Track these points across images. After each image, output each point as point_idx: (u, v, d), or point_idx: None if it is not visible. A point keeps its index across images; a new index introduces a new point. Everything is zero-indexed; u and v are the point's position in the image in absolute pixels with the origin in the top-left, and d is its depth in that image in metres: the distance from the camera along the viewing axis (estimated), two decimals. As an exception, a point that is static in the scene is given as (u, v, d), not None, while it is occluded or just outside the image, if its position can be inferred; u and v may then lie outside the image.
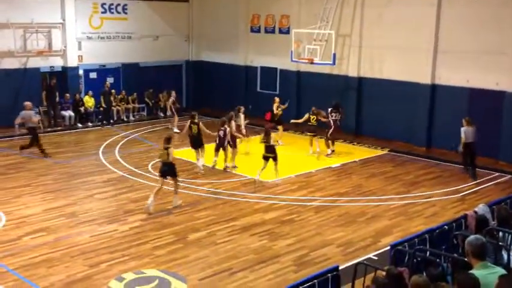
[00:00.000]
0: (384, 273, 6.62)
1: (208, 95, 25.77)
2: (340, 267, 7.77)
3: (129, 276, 9.48)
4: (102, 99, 22.32)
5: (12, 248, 10.48)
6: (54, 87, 21.65)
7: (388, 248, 8.57)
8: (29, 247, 10.56)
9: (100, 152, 17.98)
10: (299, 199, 13.68)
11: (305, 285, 7.19)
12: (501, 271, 5.69)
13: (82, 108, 22.00)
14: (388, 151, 18.75)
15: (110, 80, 23.35)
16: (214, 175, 15.53)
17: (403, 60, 19.38)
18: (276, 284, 9.26)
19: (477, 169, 15.80)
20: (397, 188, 14.74)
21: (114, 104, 22.86)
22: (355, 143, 19.78)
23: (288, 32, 22.58)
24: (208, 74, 25.85)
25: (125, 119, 23.19)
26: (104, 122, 22.23)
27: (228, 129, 15.76)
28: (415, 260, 7.64)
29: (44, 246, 10.65)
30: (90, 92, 22.54)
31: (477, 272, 5.51)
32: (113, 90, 22.86)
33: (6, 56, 20.66)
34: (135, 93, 23.84)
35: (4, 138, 19.45)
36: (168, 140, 12.75)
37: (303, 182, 15.08)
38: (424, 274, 6.60)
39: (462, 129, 15.44)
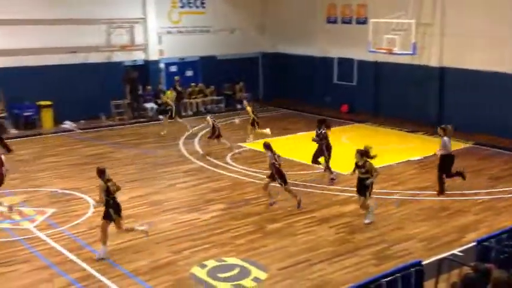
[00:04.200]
0: (470, 269, 6.42)
1: (284, 87, 25.81)
2: (423, 263, 7.60)
3: (211, 263, 9.73)
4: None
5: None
6: (137, 81, 22.47)
7: (474, 243, 8.27)
8: (116, 233, 11.02)
9: (181, 143, 18.50)
10: (379, 192, 13.45)
11: (387, 278, 7.09)
12: None
13: (159, 101, 22.59)
14: (473, 144, 18.03)
15: (189, 73, 24.03)
16: (291, 167, 15.56)
17: (488, 49, 18.52)
18: (356, 277, 9.17)
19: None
20: (483, 183, 14.16)
21: (187, 96, 23.34)
22: (437, 136, 19.13)
23: (365, 22, 22.16)
24: (284, 65, 25.88)
25: (203, 111, 23.70)
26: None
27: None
28: (502, 256, 7.36)
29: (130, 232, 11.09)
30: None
31: None
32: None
33: (92, 51, 21.65)
34: (212, 86, 24.34)
35: (91, 129, 20.47)
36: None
37: (383, 175, 14.76)
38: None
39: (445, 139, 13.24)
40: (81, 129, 20.45)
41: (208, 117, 17.43)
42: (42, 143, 18.79)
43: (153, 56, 23.23)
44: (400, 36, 19.49)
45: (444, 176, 13.26)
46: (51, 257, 9.98)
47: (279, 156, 12.51)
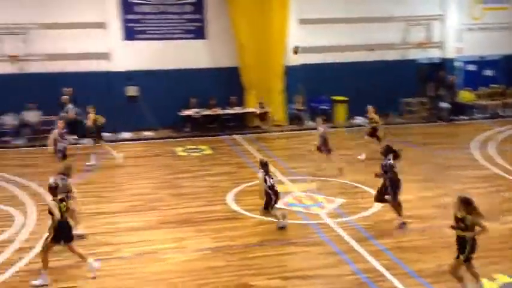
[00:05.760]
0: None
1: None
2: None
3: (502, 278, 8.95)
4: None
5: (386, 230, 11.06)
6: (444, 79, 21.97)
7: None
8: (401, 231, 10.97)
9: (473, 146, 17.44)
10: None
11: None
12: None
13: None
14: None
15: (488, 73, 22.52)
16: None
17: None
18: None
19: None
20: None
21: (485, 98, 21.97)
22: None
23: None
24: None
25: (501, 114, 21.96)
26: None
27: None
28: None
29: (414, 232, 10.92)
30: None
31: None
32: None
33: (387, 48, 21.97)
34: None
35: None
36: None
37: None
38: None
39: None
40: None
41: (320, 121, 15.24)
42: (335, 136, 19.80)
43: (450, 54, 22.39)
44: None
45: None
46: (339, 244, 10.46)
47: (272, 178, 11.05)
